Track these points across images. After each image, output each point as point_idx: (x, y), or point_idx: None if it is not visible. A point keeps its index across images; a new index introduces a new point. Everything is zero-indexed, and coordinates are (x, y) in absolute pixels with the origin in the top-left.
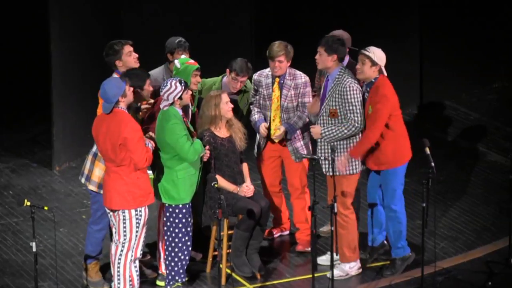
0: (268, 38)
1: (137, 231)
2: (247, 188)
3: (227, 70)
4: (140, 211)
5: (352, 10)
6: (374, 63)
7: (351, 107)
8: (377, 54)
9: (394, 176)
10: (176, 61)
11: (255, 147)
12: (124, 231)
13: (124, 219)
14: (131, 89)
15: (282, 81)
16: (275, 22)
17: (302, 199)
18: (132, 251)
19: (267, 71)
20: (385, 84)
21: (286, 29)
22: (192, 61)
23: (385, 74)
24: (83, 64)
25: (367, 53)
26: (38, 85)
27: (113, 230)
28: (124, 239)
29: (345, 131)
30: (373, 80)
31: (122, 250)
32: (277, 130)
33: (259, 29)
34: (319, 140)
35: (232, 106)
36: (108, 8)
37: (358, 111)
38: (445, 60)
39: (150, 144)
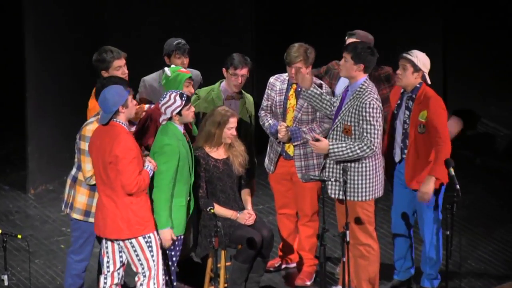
0: (269, 39)
1: (153, 258)
2: (248, 215)
3: (224, 69)
4: (149, 236)
5: (358, 7)
6: (416, 69)
7: (368, 126)
8: (421, 59)
9: (438, 195)
10: (166, 69)
11: (266, 162)
12: (140, 261)
13: (134, 249)
14: (134, 102)
15: (299, 89)
16: (277, 23)
17: (310, 227)
18: (154, 279)
19: (285, 75)
20: (437, 97)
21: (288, 30)
22: (184, 70)
23: (429, 82)
24: (61, 74)
25: (409, 57)
26: (10, 97)
27: (105, 259)
28: (143, 269)
29: (358, 151)
30: (418, 86)
31: (143, 280)
32: (281, 127)
33: (259, 30)
34: (328, 159)
35: (235, 134)
36: (89, 11)
37: (375, 131)
38: (472, 69)
39: (150, 166)
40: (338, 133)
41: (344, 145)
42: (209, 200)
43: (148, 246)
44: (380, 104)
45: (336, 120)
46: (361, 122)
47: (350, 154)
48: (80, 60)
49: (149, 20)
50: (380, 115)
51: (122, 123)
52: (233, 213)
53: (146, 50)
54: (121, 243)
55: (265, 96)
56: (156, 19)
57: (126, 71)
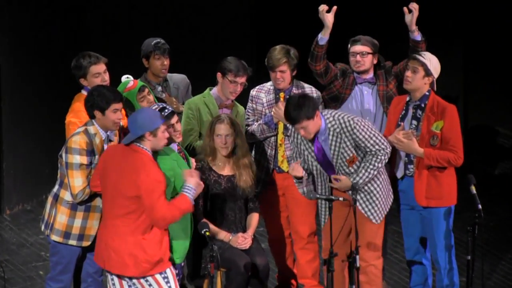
0: (268, 44)
1: None
2: (242, 239)
3: (219, 74)
4: (165, 272)
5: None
6: (428, 73)
7: (371, 141)
8: (434, 63)
9: (448, 216)
10: None
11: None
12: None
13: (150, 286)
14: (166, 134)
15: (288, 96)
16: (276, 28)
17: (309, 250)
18: None
19: (268, 85)
20: (452, 106)
21: (288, 35)
22: (131, 83)
23: (435, 88)
24: (39, 81)
25: (422, 59)
26: None
27: None
28: None
29: (378, 164)
30: (427, 93)
31: None
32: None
33: (259, 35)
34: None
35: (225, 142)
36: (70, 11)
37: (378, 136)
38: (495, 75)
39: (191, 190)
40: (345, 169)
41: (364, 169)
42: (205, 222)
43: (166, 282)
44: (358, 116)
45: (335, 167)
46: (360, 143)
47: (375, 171)
48: (59, 69)
49: (139, 23)
50: (367, 122)
51: (147, 149)
52: (226, 235)
53: (136, 56)
54: (134, 279)
55: (250, 110)
56: (149, 22)
57: (107, 79)
